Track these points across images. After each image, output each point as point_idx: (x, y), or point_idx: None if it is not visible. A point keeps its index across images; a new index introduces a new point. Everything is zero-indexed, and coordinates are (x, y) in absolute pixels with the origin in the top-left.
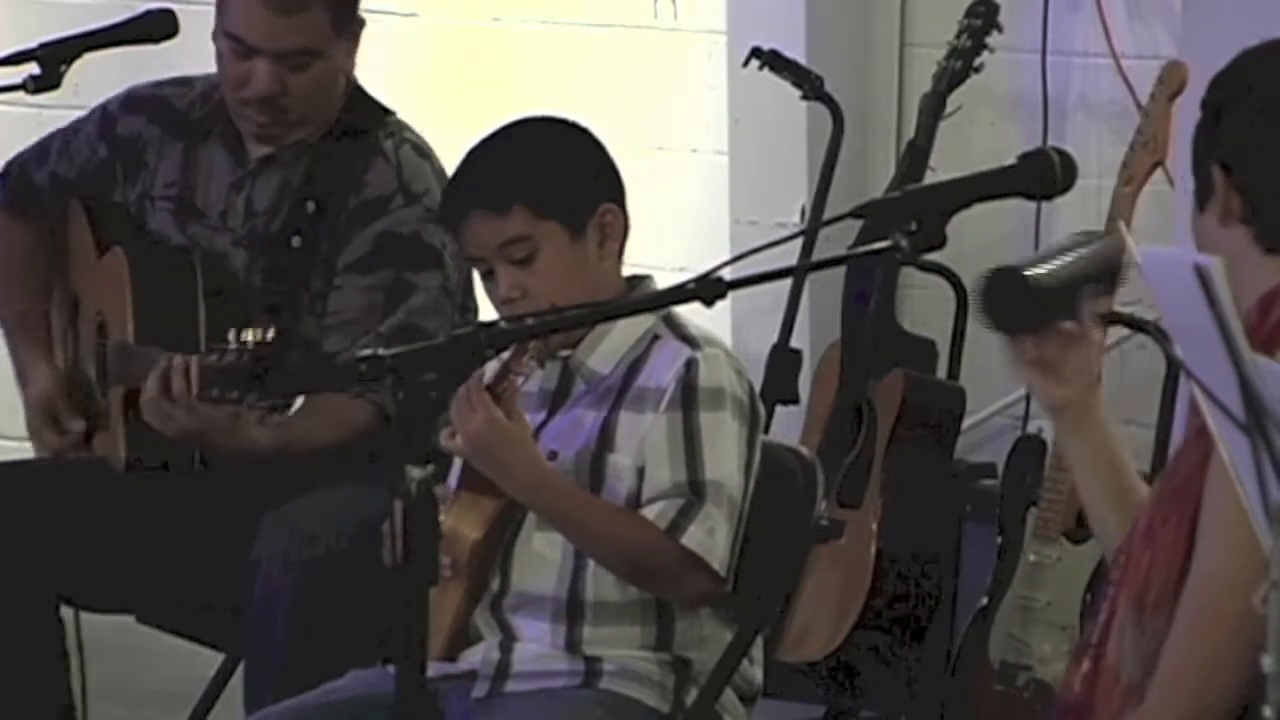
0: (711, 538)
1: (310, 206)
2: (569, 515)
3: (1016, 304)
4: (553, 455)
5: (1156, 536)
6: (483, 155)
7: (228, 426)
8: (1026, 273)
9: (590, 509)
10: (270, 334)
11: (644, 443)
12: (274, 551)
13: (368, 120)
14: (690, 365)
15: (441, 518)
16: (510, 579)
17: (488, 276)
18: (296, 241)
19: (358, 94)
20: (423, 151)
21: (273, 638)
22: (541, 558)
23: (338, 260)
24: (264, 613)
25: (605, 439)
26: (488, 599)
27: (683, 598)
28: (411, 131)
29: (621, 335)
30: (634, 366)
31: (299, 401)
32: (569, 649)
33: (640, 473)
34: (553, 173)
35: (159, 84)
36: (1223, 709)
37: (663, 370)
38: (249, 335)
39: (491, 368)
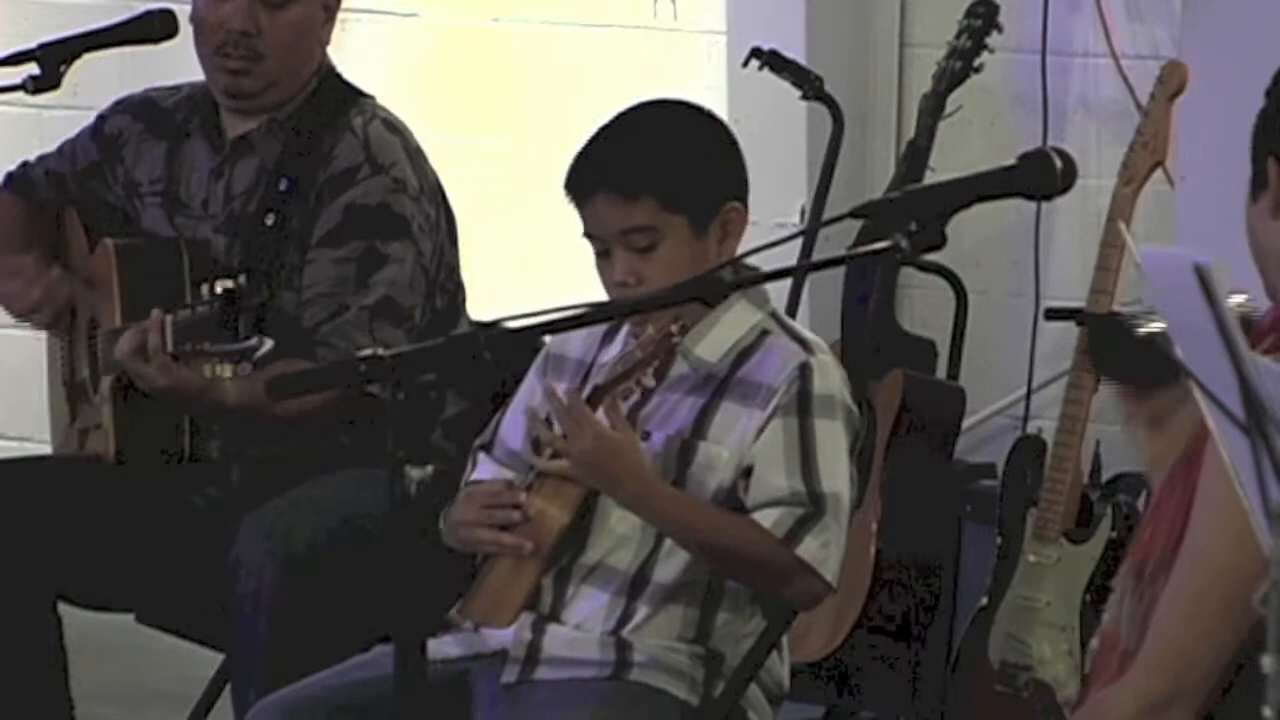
0: (826, 550)
1: (283, 184)
2: (680, 521)
3: (1130, 357)
4: (646, 436)
5: (1160, 510)
6: (617, 134)
7: (200, 386)
8: (1145, 329)
9: (702, 516)
10: (241, 280)
11: (745, 437)
12: (254, 549)
13: (340, 100)
14: (804, 370)
15: (525, 497)
16: (584, 550)
17: (603, 255)
18: (270, 219)
19: (331, 75)
20: (393, 127)
21: (255, 635)
22: (619, 534)
23: (311, 235)
24: (247, 610)
25: (700, 426)
26: (555, 569)
27: (791, 599)
28: (385, 111)
29: (730, 326)
30: (741, 357)
31: (267, 345)
32: (614, 629)
33: (745, 471)
34: (686, 166)
35: (149, 89)
36: (1200, 691)
37: (775, 368)
38: (218, 286)
39: (581, 339)
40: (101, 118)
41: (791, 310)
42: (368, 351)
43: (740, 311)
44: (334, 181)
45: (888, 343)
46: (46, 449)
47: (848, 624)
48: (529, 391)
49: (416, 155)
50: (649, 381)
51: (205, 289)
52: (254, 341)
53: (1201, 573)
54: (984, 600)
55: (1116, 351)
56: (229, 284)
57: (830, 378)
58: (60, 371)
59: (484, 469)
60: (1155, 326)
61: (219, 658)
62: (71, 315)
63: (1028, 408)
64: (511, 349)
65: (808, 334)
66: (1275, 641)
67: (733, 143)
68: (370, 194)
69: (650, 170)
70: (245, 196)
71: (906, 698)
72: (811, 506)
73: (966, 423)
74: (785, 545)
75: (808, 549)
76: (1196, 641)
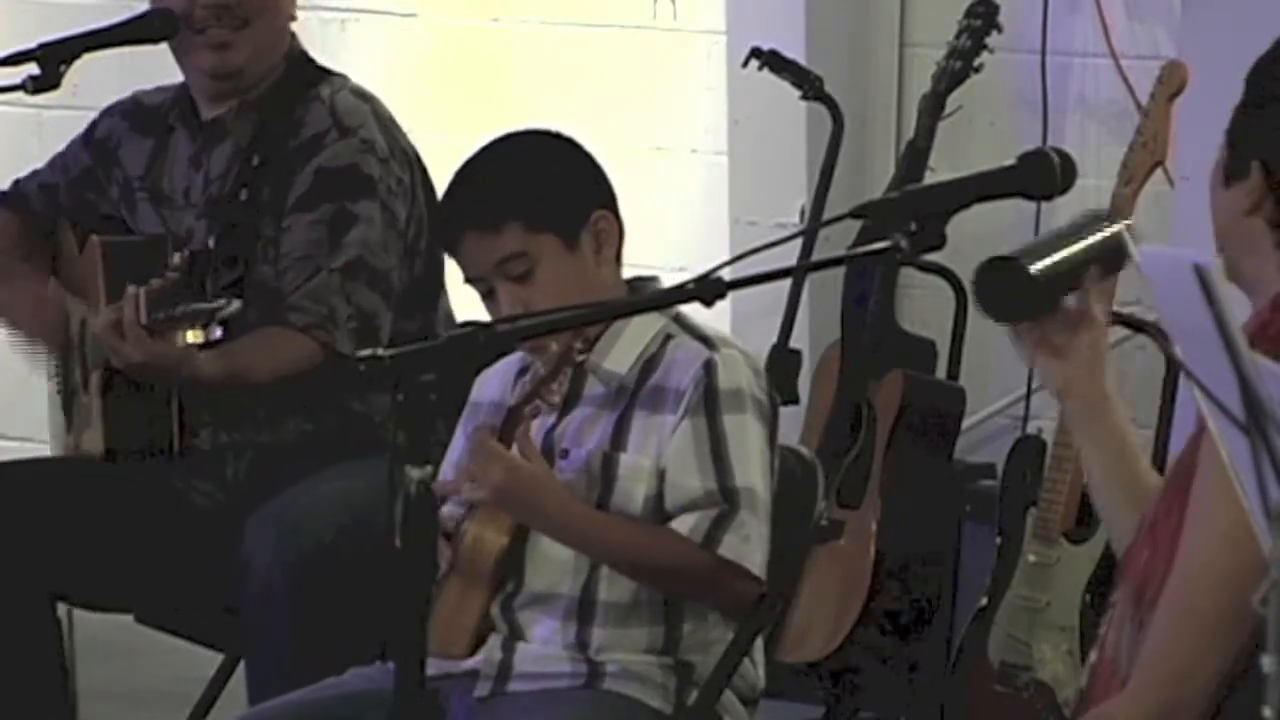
0: (747, 544)
1: (255, 160)
2: (602, 543)
3: (1016, 295)
4: (565, 454)
5: (1158, 532)
6: (470, 174)
7: (175, 358)
8: (1027, 265)
9: (623, 533)
10: (210, 242)
11: (663, 445)
12: (263, 549)
13: (310, 79)
14: (709, 367)
15: (466, 524)
16: (524, 578)
17: (488, 296)
18: (244, 194)
19: (301, 57)
20: (362, 95)
21: (272, 637)
22: (554, 558)
23: (285, 205)
24: (261, 612)
25: (617, 439)
26: (501, 597)
27: (724, 604)
28: (355, 84)
29: (634, 336)
30: (648, 366)
31: (233, 305)
32: (578, 648)
33: (661, 475)
34: (542, 185)
35: (136, 91)
36: (1199, 703)
37: (680, 371)
38: (186, 253)
39: (498, 381)
40: (93, 124)
41: (791, 310)
42: (366, 351)
43: (643, 318)
44: (303, 148)
45: (888, 343)
46: (47, 450)
47: (848, 624)
48: (459, 444)
49: (387, 122)
50: (555, 399)
51: (175, 258)
52: (221, 302)
53: (1197, 585)
54: (984, 600)
55: (1002, 292)
56: (200, 247)
57: (736, 371)
58: (56, 382)
59: None
60: (1034, 262)
61: (219, 658)
62: (65, 327)
63: (1027, 408)
64: (510, 348)
65: (712, 331)
66: (1275, 641)
67: (586, 156)
68: (338, 156)
69: (507, 197)
70: (221, 180)
71: (906, 697)
72: (725, 505)
73: (966, 423)
74: (706, 548)
75: (729, 547)
76: (1196, 655)
